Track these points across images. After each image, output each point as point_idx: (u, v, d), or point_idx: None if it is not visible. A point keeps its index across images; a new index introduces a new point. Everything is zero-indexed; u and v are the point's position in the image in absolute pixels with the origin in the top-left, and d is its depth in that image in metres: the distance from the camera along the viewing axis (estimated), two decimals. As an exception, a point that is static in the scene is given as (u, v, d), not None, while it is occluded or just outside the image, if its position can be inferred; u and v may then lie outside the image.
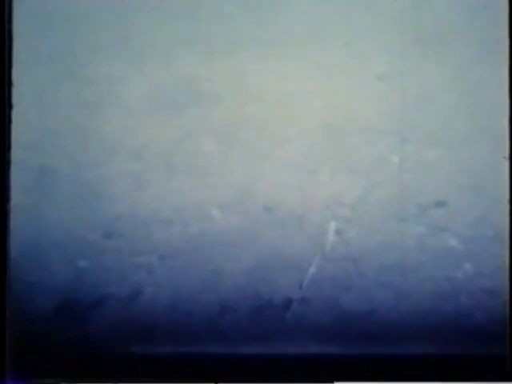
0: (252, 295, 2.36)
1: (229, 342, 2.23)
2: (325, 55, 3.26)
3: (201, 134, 3.04)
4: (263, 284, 2.40)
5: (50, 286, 2.42)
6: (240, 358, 2.18)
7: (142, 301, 2.38)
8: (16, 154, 2.60)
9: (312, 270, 2.42)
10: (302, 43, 3.36)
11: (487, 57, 3.18)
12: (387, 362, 2.14)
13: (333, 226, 2.55)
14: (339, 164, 2.82)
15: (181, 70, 3.40)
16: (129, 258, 2.52)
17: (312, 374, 2.14)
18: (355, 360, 2.16)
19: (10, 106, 2.27)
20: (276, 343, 2.21)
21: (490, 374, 2.10)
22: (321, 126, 3.00)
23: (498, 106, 2.99)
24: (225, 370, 2.16)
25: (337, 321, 2.23)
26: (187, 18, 3.51)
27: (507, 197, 2.28)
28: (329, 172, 2.78)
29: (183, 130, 3.07)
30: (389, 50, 3.27)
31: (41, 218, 2.69)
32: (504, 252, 2.35)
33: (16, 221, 2.60)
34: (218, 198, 2.72)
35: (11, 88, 2.25)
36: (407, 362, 2.14)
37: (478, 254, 2.41)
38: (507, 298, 2.21)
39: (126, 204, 2.74)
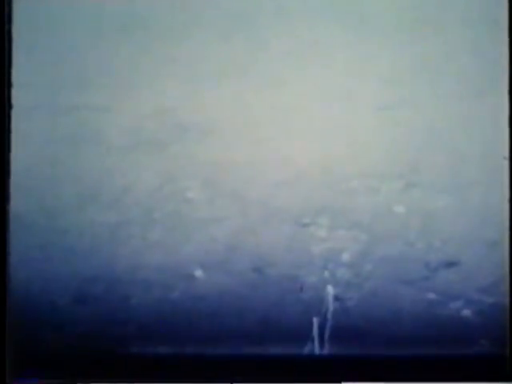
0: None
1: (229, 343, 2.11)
2: (321, 86, 2.99)
3: (185, 177, 2.77)
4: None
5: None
6: (240, 358, 2.12)
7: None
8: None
9: (309, 347, 2.15)
10: (295, 70, 3.09)
11: (495, 84, 2.91)
12: (388, 363, 2.09)
13: (331, 290, 2.28)
14: (337, 215, 2.54)
15: (165, 100, 3.14)
16: (104, 329, 2.26)
17: (314, 374, 2.09)
18: (356, 360, 2.10)
19: (10, 106, 2.22)
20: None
21: (490, 374, 2.07)
22: (317, 169, 2.73)
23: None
24: (226, 371, 2.10)
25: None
26: (172, 45, 3.25)
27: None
28: (326, 225, 2.51)
29: (166, 172, 2.80)
30: (391, 78, 3.00)
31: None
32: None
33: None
34: (201, 255, 2.45)
35: (11, 88, 2.21)
36: (407, 362, 2.09)
37: (495, 328, 2.14)
38: (507, 298, 2.15)
39: (102, 260, 2.48)
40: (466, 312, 2.22)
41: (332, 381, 2.07)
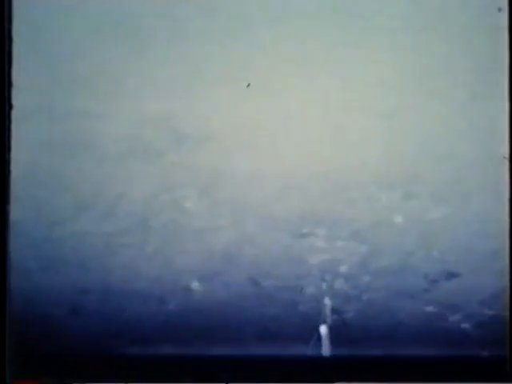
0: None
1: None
2: (320, 91, 2.96)
3: (181, 186, 2.73)
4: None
5: None
6: (240, 358, 2.14)
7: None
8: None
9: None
10: (293, 76, 3.06)
11: (494, 87, 2.89)
12: (388, 363, 2.11)
13: (329, 303, 2.25)
14: (336, 225, 2.51)
15: (162, 107, 3.10)
16: (99, 341, 2.23)
17: (314, 374, 2.11)
18: (357, 360, 2.12)
19: (10, 106, 2.23)
20: None
21: (490, 375, 2.08)
22: (315, 178, 2.69)
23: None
24: (226, 371, 2.12)
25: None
26: (168, 50, 3.21)
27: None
28: (324, 235, 2.48)
29: (162, 181, 2.77)
30: (391, 85, 2.97)
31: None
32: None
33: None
34: (198, 267, 2.42)
35: (11, 88, 2.22)
36: (408, 362, 2.11)
37: (495, 341, 2.11)
38: (508, 309, 2.16)
39: (97, 272, 2.45)
40: (466, 325, 2.20)
41: (332, 381, 2.06)
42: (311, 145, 2.82)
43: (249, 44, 3.15)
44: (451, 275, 2.35)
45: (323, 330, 2.17)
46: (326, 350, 2.14)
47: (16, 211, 2.54)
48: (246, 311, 2.25)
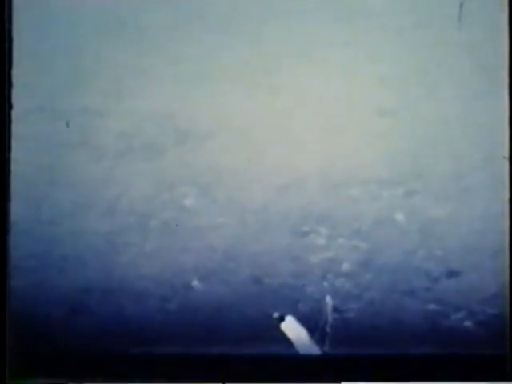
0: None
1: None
2: (320, 90, 2.95)
3: (182, 184, 2.72)
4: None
5: None
6: (240, 357, 2.14)
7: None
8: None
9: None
10: (294, 74, 3.05)
11: (494, 87, 2.88)
12: (388, 362, 2.11)
13: (330, 301, 2.24)
14: (337, 223, 2.50)
15: (161, 104, 3.09)
16: (98, 341, 2.22)
17: (314, 374, 2.11)
18: (356, 360, 2.12)
19: (10, 106, 2.20)
20: None
21: (490, 374, 2.09)
22: (316, 176, 2.68)
23: None
24: (225, 370, 2.12)
25: None
26: (169, 48, 3.20)
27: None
28: (325, 234, 2.47)
29: (162, 180, 2.76)
30: (391, 81, 2.96)
31: None
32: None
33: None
34: (199, 265, 2.41)
35: (11, 88, 2.21)
36: (408, 361, 2.11)
37: (496, 339, 2.10)
38: (507, 296, 2.16)
39: (97, 270, 2.44)
40: (467, 323, 2.19)
41: (332, 381, 2.06)
42: (312, 142, 2.82)
43: (249, 42, 3.15)
44: (452, 273, 2.34)
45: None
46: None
47: (16, 210, 2.53)
48: (247, 309, 2.24)
